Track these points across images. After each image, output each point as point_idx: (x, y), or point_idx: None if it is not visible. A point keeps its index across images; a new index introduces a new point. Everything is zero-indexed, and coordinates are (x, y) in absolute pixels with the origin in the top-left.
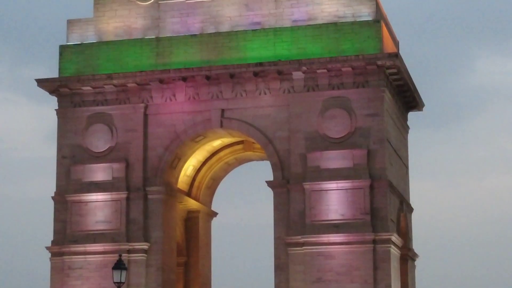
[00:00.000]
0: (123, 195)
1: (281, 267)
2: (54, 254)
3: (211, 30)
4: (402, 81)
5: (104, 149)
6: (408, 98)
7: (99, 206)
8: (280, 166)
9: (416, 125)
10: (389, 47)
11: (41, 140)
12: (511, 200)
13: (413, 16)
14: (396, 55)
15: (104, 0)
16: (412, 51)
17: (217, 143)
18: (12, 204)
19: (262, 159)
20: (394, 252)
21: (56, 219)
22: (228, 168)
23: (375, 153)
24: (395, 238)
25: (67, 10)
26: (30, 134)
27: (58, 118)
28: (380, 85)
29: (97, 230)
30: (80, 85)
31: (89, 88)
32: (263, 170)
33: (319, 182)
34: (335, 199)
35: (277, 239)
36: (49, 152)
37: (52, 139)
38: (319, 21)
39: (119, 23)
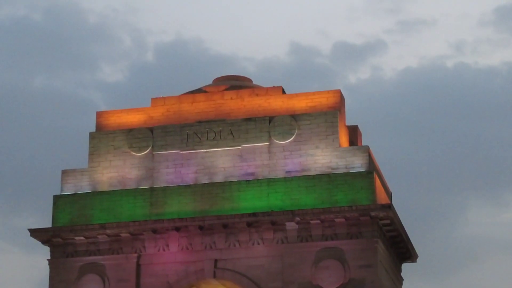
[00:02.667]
0: None
1: None
2: None
3: (205, 180)
4: (396, 232)
5: None
6: (401, 249)
7: None
8: None
9: (410, 277)
10: (382, 198)
11: None
12: None
13: (405, 167)
14: (389, 206)
15: (99, 150)
16: (405, 202)
17: None
18: None
19: None
20: None
21: None
22: None
23: None
24: None
25: (62, 160)
26: (22, 284)
27: (50, 268)
28: (373, 236)
29: None
30: (73, 235)
31: (82, 238)
32: None
33: None
34: None
35: None
36: None
37: None
38: (312, 172)
39: (114, 173)
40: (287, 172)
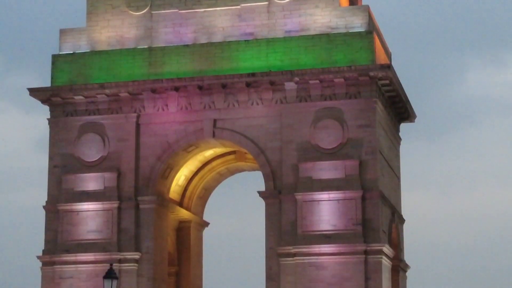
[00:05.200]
0: (114, 204)
1: (273, 278)
2: (45, 264)
3: (203, 40)
4: (394, 92)
5: (96, 159)
6: (400, 109)
7: (90, 216)
8: (272, 177)
9: (408, 137)
10: (382, 58)
11: (31, 150)
12: (502, 211)
13: (405, 27)
14: (389, 66)
15: (97, 9)
16: (404, 62)
17: (209, 153)
18: (3, 214)
19: (254, 170)
20: (386, 263)
21: (47, 229)
22: (220, 178)
23: (367, 164)
24: (386, 249)
25: (60, 19)
26: (20, 143)
27: (50, 127)
28: (372, 96)
29: (88, 240)
30: (72, 94)
31: (81, 97)
32: (255, 181)
33: (311, 193)
34: (326, 210)
35: (268, 249)
36: (40, 162)
37: (42, 149)
38: (312, 32)
39: (112, 33)
40: (286, 32)
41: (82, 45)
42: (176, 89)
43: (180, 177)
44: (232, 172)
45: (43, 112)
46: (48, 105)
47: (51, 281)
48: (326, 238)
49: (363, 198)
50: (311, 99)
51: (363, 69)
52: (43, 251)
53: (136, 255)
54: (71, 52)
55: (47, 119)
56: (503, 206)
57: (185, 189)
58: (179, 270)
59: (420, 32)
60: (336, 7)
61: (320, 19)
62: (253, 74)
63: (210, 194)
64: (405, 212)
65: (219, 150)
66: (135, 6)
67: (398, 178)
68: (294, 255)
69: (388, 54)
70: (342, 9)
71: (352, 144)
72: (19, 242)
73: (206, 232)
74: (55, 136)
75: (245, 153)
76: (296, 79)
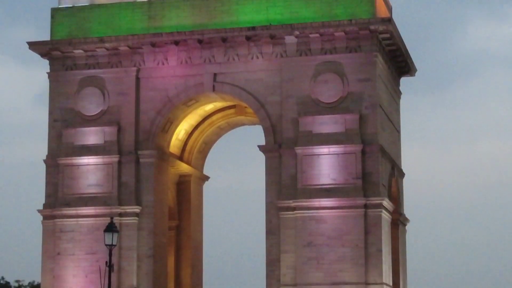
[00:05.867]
0: (114, 158)
1: (273, 231)
2: (46, 217)
3: None
4: (395, 46)
5: (96, 113)
6: (400, 63)
7: (90, 170)
8: (272, 131)
9: (408, 90)
10: (382, 12)
11: (30, 103)
12: (502, 164)
13: None
14: (389, 20)
15: None
16: (405, 16)
17: (209, 107)
18: (3, 168)
19: (254, 124)
20: (385, 216)
21: (47, 182)
22: (220, 132)
23: (367, 118)
24: (386, 202)
25: None
26: (19, 97)
27: (49, 81)
28: (372, 50)
29: (88, 194)
30: (71, 48)
31: (81, 51)
32: (255, 135)
33: (311, 147)
34: (326, 164)
35: (268, 203)
36: (40, 116)
37: (41, 102)
38: None
39: None
40: None
41: None
42: (176, 43)
43: (180, 131)
44: (232, 126)
45: (43, 66)
46: (48, 59)
47: (52, 235)
48: (326, 192)
49: (363, 152)
50: (311, 53)
51: (364, 23)
52: (44, 205)
53: (136, 209)
54: (70, 5)
55: (47, 73)
56: (503, 158)
57: (185, 143)
58: (179, 224)
59: None
60: None
61: None
62: (253, 28)
63: (210, 148)
64: (405, 166)
65: (219, 104)
66: None
67: (398, 132)
68: (294, 209)
69: (389, 8)
70: None
71: (352, 98)
72: (19, 197)
73: (206, 186)
74: (55, 90)
75: (245, 107)
76: (296, 32)
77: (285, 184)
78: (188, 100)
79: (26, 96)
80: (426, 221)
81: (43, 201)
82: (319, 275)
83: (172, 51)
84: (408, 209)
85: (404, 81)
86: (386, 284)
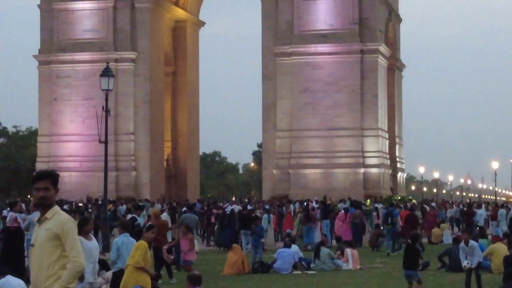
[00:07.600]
0: (110, 3)
1: (269, 77)
2: (41, 63)
3: None
4: None
5: None
6: None
7: (86, 15)
8: None
9: None
10: None
11: None
12: (501, 11)
13: None
14: None
15: None
16: None
17: None
18: None
19: None
20: (382, 62)
21: (42, 28)
22: None
23: None
24: (383, 48)
25: None
26: None
27: None
28: None
29: (84, 39)
30: None
31: None
32: None
33: None
34: (323, 9)
35: (264, 49)
36: None
37: None
38: None
39: None
40: None
41: None
42: None
43: None
44: None
45: None
46: None
47: (48, 80)
48: (322, 37)
49: None
50: None
51: None
52: (39, 50)
53: (132, 55)
54: None
55: None
56: (503, 3)
57: None
58: (175, 70)
59: None
60: None
61: None
62: None
63: None
64: (402, 11)
65: None
66: None
67: None
68: (290, 54)
69: None
70: None
71: None
72: (14, 42)
73: (202, 32)
74: None
75: None
76: None
77: (281, 29)
78: None
79: None
80: (423, 67)
81: (39, 47)
82: (315, 120)
83: None
84: (405, 55)
85: None
86: (381, 129)
